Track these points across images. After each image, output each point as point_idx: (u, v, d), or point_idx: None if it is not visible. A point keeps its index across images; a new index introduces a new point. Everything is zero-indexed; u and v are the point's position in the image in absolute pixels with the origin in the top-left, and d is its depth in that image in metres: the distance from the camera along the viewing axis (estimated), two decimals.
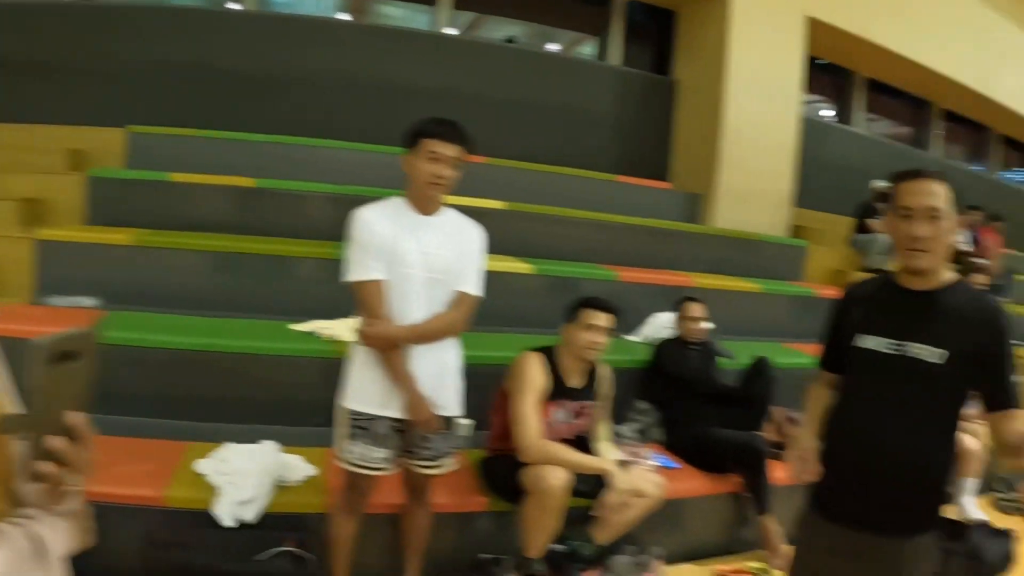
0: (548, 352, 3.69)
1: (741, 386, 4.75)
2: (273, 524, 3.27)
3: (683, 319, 4.78)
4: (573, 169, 7.22)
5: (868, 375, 2.29)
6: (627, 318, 5.44)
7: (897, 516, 2.24)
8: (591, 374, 3.81)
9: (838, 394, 2.41)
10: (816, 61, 10.35)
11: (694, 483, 4.20)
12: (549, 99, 7.64)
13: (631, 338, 5.44)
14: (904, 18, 9.73)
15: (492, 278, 5.14)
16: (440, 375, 3.08)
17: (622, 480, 3.58)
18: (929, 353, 2.17)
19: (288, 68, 7.00)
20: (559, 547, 3.66)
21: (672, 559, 4.10)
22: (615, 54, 8.43)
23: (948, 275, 2.28)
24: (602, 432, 3.90)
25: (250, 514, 3.24)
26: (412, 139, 2.96)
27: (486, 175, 6.41)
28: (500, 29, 8.80)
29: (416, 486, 3.24)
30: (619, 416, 4.59)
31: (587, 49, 9.00)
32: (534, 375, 3.59)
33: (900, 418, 2.22)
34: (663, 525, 4.07)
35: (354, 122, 6.99)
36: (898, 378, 2.22)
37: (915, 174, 2.24)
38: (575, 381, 3.73)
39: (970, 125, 13.53)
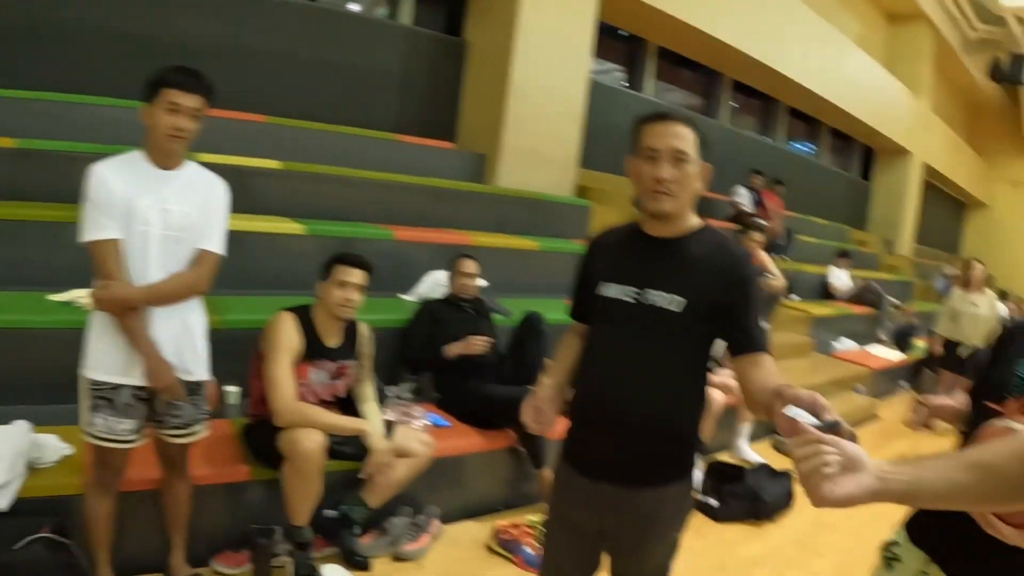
0: (303, 311, 3.53)
1: (513, 342, 4.76)
2: (29, 509, 2.96)
3: (455, 275, 4.74)
4: (354, 128, 7.02)
5: (610, 324, 2.22)
6: (405, 277, 5.45)
7: (642, 468, 2.19)
8: (351, 333, 3.67)
9: (584, 345, 2.34)
10: (617, 31, 10.62)
11: (469, 440, 4.18)
12: (335, 57, 7.36)
13: (407, 297, 5.37)
14: None
15: (262, 240, 4.99)
16: (183, 338, 2.88)
17: (379, 440, 3.47)
18: (668, 301, 2.11)
19: (47, 18, 6.48)
20: (331, 513, 3.56)
21: (453, 517, 4.11)
22: (406, 14, 8.24)
23: (694, 221, 2.23)
24: (367, 392, 3.76)
25: (3, 501, 2.91)
26: (151, 89, 2.72)
27: (263, 134, 6.18)
28: None
29: (171, 457, 3.03)
30: (393, 376, 4.54)
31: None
32: (287, 335, 3.43)
33: (642, 368, 2.16)
34: (442, 484, 4.05)
35: (124, 77, 6.56)
36: (639, 327, 2.15)
37: (661, 116, 2.17)
38: (333, 341, 3.58)
39: (759, 96, 14.16)
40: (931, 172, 19.15)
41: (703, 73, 12.76)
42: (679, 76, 12.61)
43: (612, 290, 2.20)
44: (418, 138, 7.53)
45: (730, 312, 2.12)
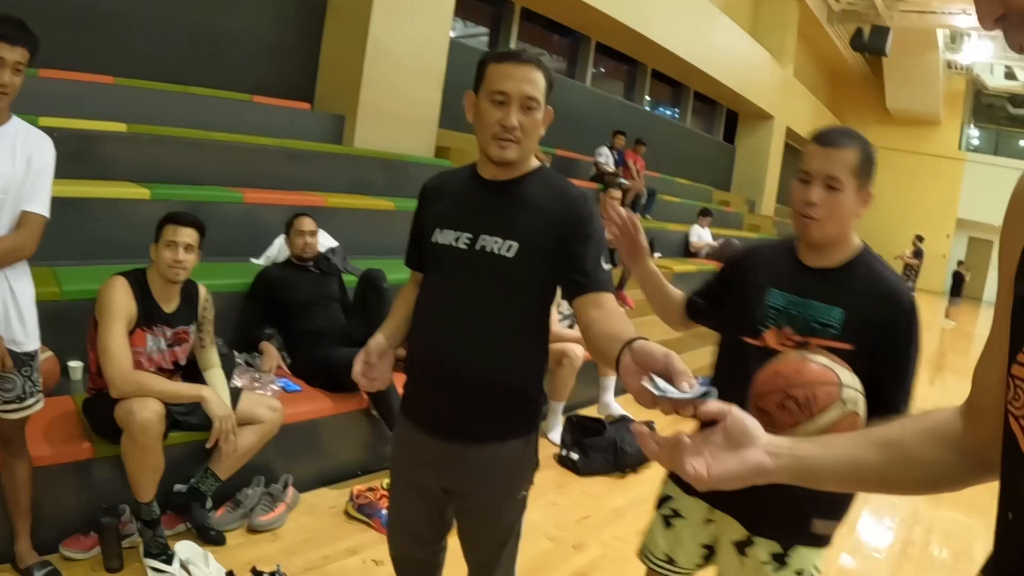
0: (138, 275, 3.32)
1: (356, 302, 4.65)
2: None
3: (293, 235, 4.60)
4: (208, 89, 6.74)
5: (443, 273, 2.12)
6: (256, 241, 5.31)
7: (481, 423, 2.11)
8: (189, 297, 3.49)
9: (418, 296, 2.24)
10: None
11: (320, 405, 4.09)
12: (187, 15, 7.00)
13: (257, 261, 5.23)
14: None
15: (105, 206, 4.80)
16: (9, 307, 2.71)
17: (219, 407, 3.33)
18: (502, 246, 2.02)
19: None
20: (180, 487, 3.46)
21: (309, 485, 4.05)
22: None
23: (531, 163, 2.12)
24: (211, 358, 3.62)
25: None
26: None
27: (110, 96, 5.87)
28: None
29: (5, 435, 2.85)
30: (244, 343, 4.41)
31: None
32: (119, 300, 3.21)
33: (476, 319, 2.07)
34: (295, 452, 3.98)
35: None
36: (473, 275, 2.06)
37: (514, 56, 2.03)
38: (169, 305, 3.38)
39: (624, 60, 14.38)
40: (793, 136, 19.83)
41: (568, 36, 12.85)
42: (543, 38, 12.68)
43: (446, 236, 2.10)
44: (275, 99, 7.31)
45: (568, 252, 2.02)
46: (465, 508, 2.25)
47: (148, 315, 3.31)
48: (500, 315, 2.07)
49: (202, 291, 3.58)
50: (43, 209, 2.73)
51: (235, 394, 3.56)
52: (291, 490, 3.83)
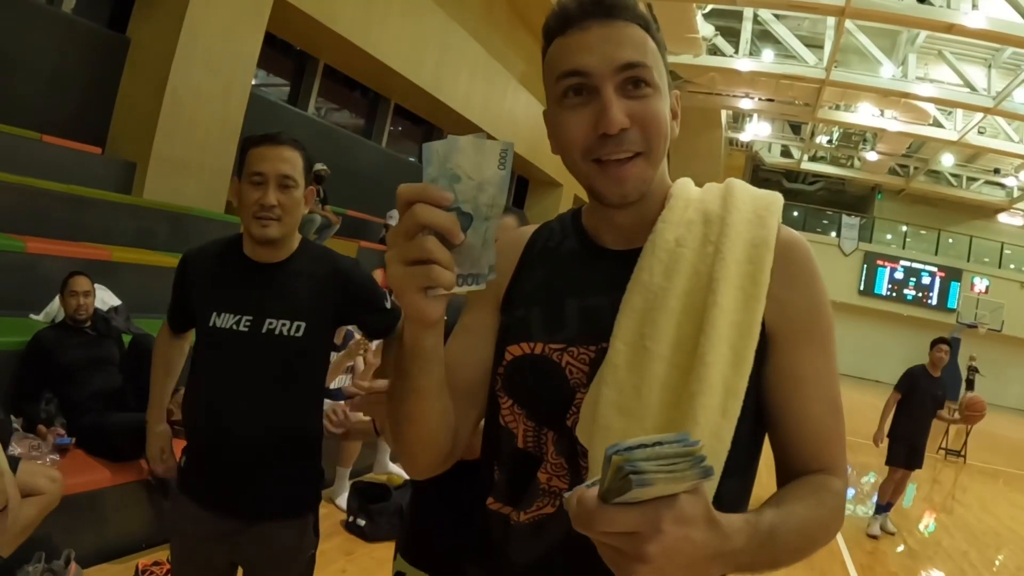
0: None
1: (127, 368, 4.48)
2: None
3: (66, 296, 4.39)
4: None
5: (224, 354, 2.18)
6: (38, 294, 5.04)
7: (266, 499, 2.17)
8: None
9: (195, 374, 2.28)
10: (286, 44, 10.51)
11: (99, 475, 3.95)
12: None
13: (36, 317, 4.99)
14: (370, 14, 10.17)
15: None
16: None
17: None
18: (288, 327, 2.13)
19: None
20: None
21: (92, 560, 3.89)
22: (69, 1, 7.51)
23: (295, 241, 2.26)
24: None
25: None
26: None
27: None
28: None
29: None
30: (18, 406, 4.15)
31: None
32: None
33: (258, 398, 2.14)
34: (77, 524, 3.81)
35: None
36: (257, 356, 2.14)
37: (270, 139, 2.16)
38: None
39: (420, 122, 14.74)
40: (580, 203, 20.78)
41: (367, 95, 13.01)
42: (343, 96, 12.82)
43: (224, 320, 2.16)
44: (64, 140, 6.95)
45: (355, 308, 2.28)
46: None
47: None
48: (282, 393, 2.18)
49: None
50: None
51: (12, 463, 3.34)
52: (74, 566, 3.65)
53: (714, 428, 1.02)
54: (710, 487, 0.97)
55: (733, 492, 1.08)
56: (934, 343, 7.22)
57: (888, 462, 7.18)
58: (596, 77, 1.08)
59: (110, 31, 7.79)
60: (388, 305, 2.36)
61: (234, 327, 2.15)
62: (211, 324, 2.18)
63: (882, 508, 7.22)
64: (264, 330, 2.14)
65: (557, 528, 1.12)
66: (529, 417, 1.17)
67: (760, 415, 1.12)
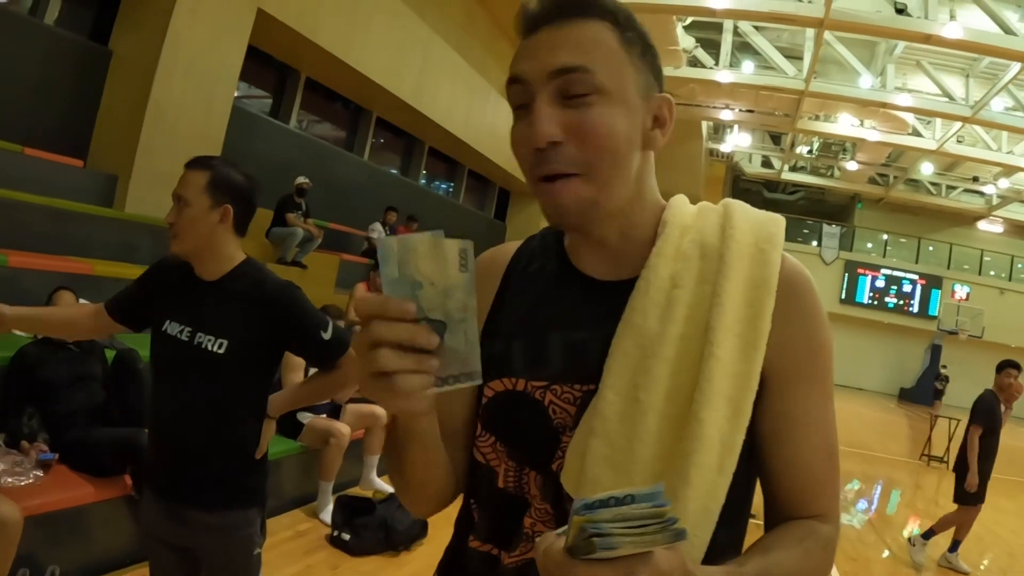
0: None
1: (111, 383, 4.47)
2: None
3: None
4: None
5: (169, 360, 2.33)
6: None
7: (195, 493, 2.32)
8: None
9: (152, 372, 2.43)
10: (268, 57, 10.50)
11: (83, 491, 3.90)
12: None
13: (20, 332, 4.70)
14: (352, 27, 10.22)
15: None
16: None
17: None
18: (212, 342, 2.25)
19: None
20: None
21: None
22: (52, 13, 7.57)
23: (235, 260, 2.36)
24: None
25: None
26: None
27: None
28: None
29: None
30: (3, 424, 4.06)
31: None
32: None
33: (192, 403, 2.29)
34: (62, 541, 3.79)
35: None
36: (190, 365, 2.27)
37: (188, 164, 2.31)
38: None
39: (402, 135, 14.76)
40: None
41: (349, 107, 13.04)
42: (325, 108, 12.85)
43: (173, 328, 2.30)
44: (46, 152, 6.95)
45: (282, 336, 2.36)
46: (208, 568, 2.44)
47: None
48: (212, 402, 2.30)
49: None
50: None
51: None
52: None
53: (709, 487, 0.98)
54: (700, 540, 0.96)
55: (727, 539, 1.04)
56: (1002, 366, 6.51)
57: (973, 501, 6.46)
58: (531, 84, 1.01)
59: (93, 43, 7.81)
60: (327, 335, 2.40)
61: (178, 335, 2.29)
62: (163, 329, 2.33)
63: (954, 545, 6.66)
64: (195, 342, 2.27)
65: None
66: (510, 456, 1.11)
67: (752, 458, 1.06)
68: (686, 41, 17.29)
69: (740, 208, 1.14)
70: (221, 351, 2.25)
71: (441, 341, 0.82)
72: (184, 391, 2.31)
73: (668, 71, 17.72)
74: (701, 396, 0.98)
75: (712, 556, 0.93)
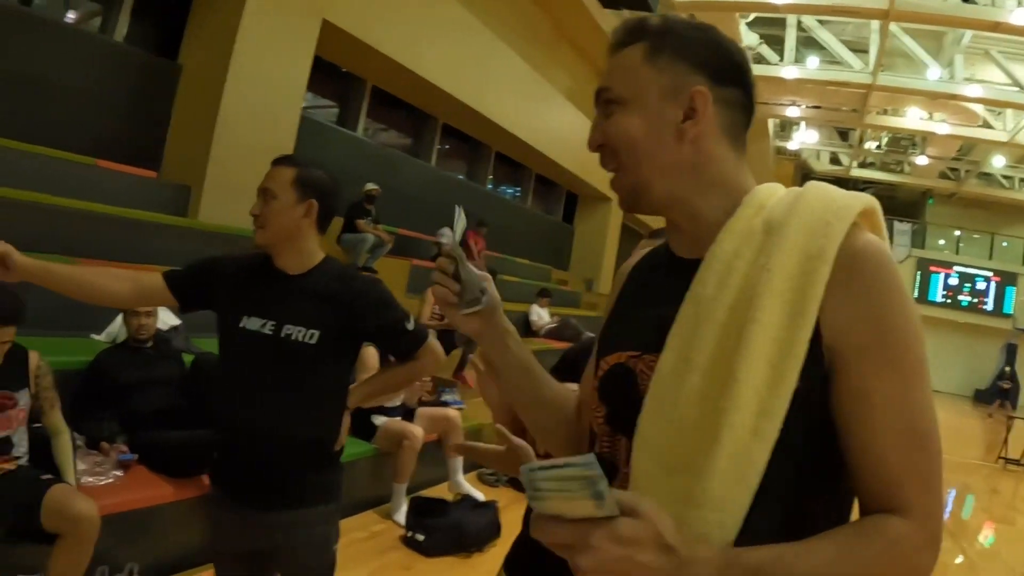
0: None
1: (188, 387, 4.53)
2: None
3: (128, 316, 4.43)
4: (47, 148, 6.46)
5: (248, 355, 2.34)
6: (96, 316, 5.12)
7: (277, 493, 2.33)
8: (16, 360, 3.38)
9: (222, 372, 2.44)
10: (334, 67, 10.58)
11: (161, 491, 3.96)
12: (29, 69, 6.68)
13: (98, 337, 5.08)
14: (416, 35, 10.31)
15: None
16: None
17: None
18: (303, 334, 2.29)
19: None
20: None
21: (152, 574, 3.93)
22: (120, 30, 7.73)
23: (316, 256, 2.43)
24: (56, 424, 3.57)
25: None
26: None
27: None
28: None
29: None
30: (81, 424, 4.11)
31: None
32: None
33: (276, 398, 2.31)
34: (139, 539, 3.85)
35: None
36: (276, 358, 2.30)
37: (275, 161, 2.42)
38: None
39: (468, 140, 14.75)
40: (631, 217, 20.70)
41: (415, 115, 13.08)
42: (391, 116, 12.87)
43: (253, 323, 2.32)
44: (119, 164, 7.09)
45: (364, 328, 2.40)
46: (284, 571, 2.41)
47: None
48: (299, 395, 2.34)
49: (34, 357, 3.52)
50: None
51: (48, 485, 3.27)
52: None
53: (741, 449, 0.99)
54: (733, 508, 0.99)
55: (777, 524, 1.01)
56: None
57: None
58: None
59: (162, 58, 7.98)
60: (410, 326, 2.50)
61: (260, 329, 2.32)
62: (241, 325, 2.35)
63: None
64: (282, 334, 2.30)
65: None
66: (607, 421, 1.22)
67: (833, 446, 1.04)
68: (750, 38, 17.10)
69: (818, 187, 1.15)
70: (312, 341, 2.29)
71: (458, 275, 1.28)
72: (268, 386, 2.33)
73: None
74: (739, 358, 1.02)
75: (753, 538, 0.96)
